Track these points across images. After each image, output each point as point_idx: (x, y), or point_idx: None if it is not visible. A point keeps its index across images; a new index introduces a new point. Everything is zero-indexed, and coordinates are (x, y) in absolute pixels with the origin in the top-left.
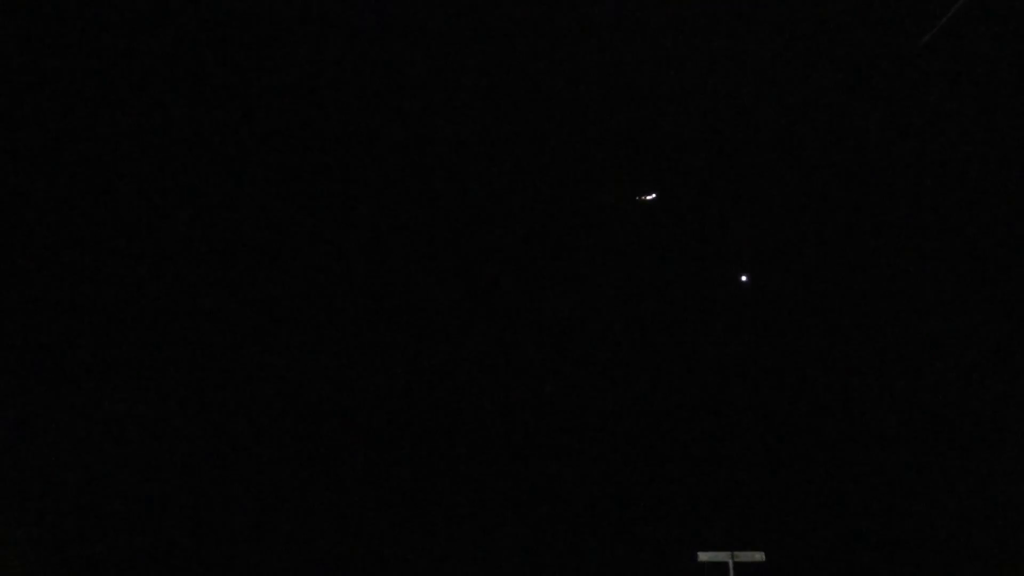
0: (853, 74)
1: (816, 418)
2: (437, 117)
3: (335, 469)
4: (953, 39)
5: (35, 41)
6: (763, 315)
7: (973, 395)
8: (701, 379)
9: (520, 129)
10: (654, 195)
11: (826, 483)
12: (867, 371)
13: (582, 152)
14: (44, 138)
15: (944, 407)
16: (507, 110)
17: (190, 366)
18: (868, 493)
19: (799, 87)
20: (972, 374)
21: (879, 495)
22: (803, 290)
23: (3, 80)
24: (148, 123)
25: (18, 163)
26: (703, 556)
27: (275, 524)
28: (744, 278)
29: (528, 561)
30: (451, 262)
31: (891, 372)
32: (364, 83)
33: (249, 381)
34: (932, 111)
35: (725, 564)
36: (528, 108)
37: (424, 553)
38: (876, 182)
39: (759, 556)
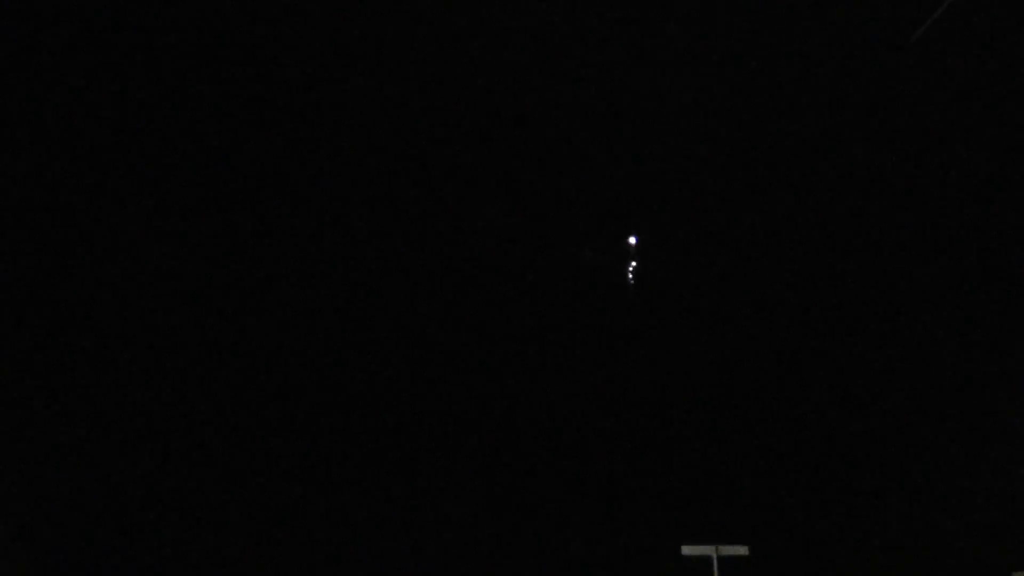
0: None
1: (801, 412)
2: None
3: (331, 468)
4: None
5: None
6: (748, 309)
7: (960, 390)
8: (685, 372)
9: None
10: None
11: (811, 477)
12: (853, 365)
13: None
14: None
15: (930, 402)
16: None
17: (184, 362)
18: (853, 487)
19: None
20: (961, 369)
21: (864, 489)
22: (790, 286)
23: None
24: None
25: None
26: (687, 549)
27: (272, 523)
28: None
29: (511, 553)
30: (438, 261)
31: (877, 366)
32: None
33: (242, 379)
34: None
35: (709, 557)
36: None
37: (407, 544)
38: (874, 180)
39: (743, 550)
